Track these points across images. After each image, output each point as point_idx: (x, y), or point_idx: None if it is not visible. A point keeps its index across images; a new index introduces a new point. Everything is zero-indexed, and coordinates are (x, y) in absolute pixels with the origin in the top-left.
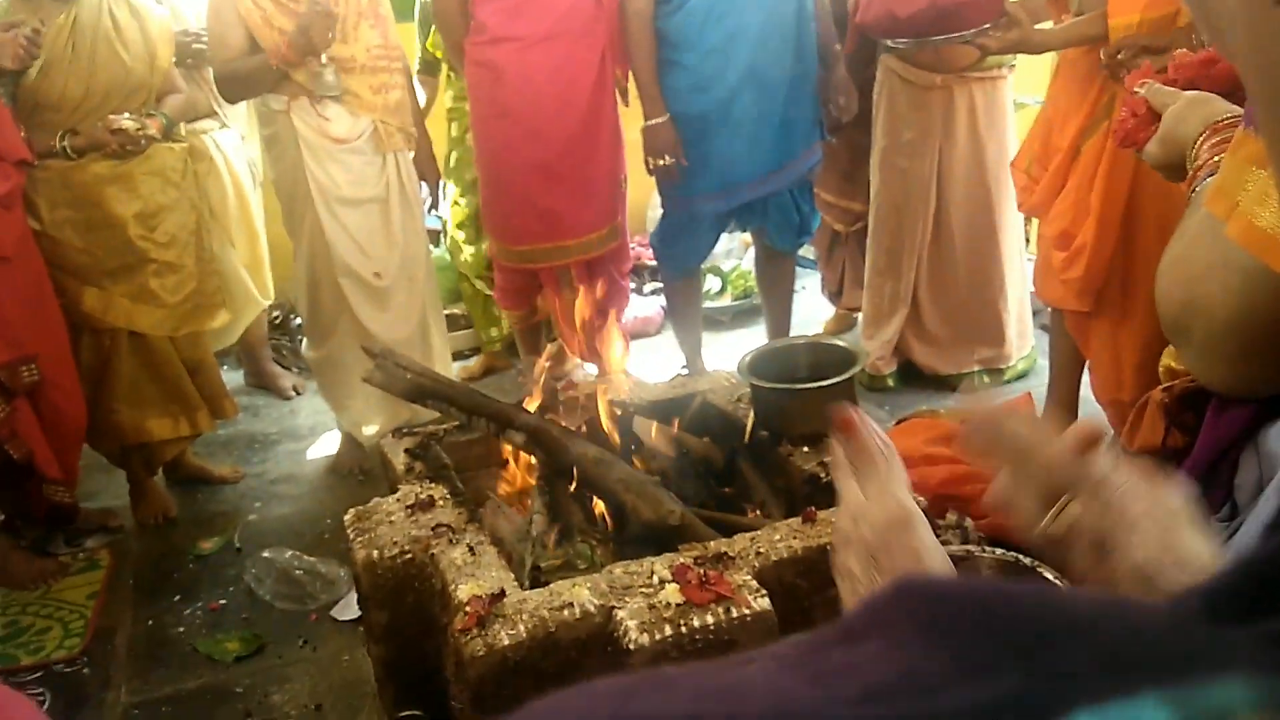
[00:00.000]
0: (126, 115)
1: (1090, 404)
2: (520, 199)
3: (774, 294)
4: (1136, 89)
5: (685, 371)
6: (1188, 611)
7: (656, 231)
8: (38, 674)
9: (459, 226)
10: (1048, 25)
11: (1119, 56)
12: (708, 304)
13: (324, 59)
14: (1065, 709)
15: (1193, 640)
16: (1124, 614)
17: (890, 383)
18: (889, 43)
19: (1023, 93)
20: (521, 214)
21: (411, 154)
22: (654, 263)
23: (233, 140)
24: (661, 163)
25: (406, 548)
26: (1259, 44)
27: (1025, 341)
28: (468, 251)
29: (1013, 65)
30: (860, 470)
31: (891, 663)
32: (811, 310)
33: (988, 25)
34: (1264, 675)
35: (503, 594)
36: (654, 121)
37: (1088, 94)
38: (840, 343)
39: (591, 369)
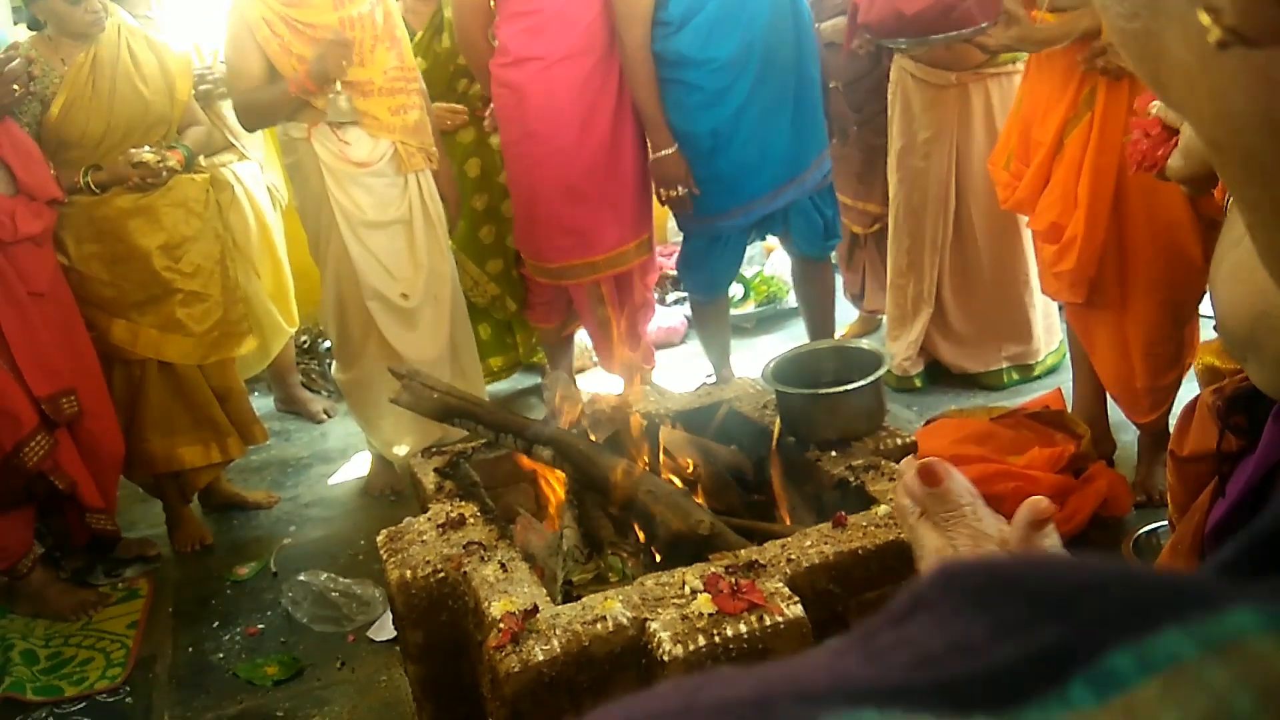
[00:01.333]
0: (147, 148)
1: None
2: (549, 218)
3: (812, 301)
4: (1150, 108)
5: (711, 380)
6: (1202, 573)
7: (680, 258)
8: (81, 704)
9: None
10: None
11: (1105, 54)
12: (732, 312)
13: (338, 85)
14: (1103, 649)
15: (1207, 586)
16: (1144, 571)
17: (918, 383)
18: (889, 44)
19: None
20: (551, 233)
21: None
22: (676, 272)
23: (252, 171)
24: (674, 194)
25: (439, 566)
26: (1209, 93)
27: (1053, 336)
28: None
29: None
30: (944, 518)
31: (937, 634)
32: (836, 314)
33: (985, 25)
34: (1272, 605)
35: (535, 609)
36: (663, 153)
37: (1068, 87)
38: (865, 345)
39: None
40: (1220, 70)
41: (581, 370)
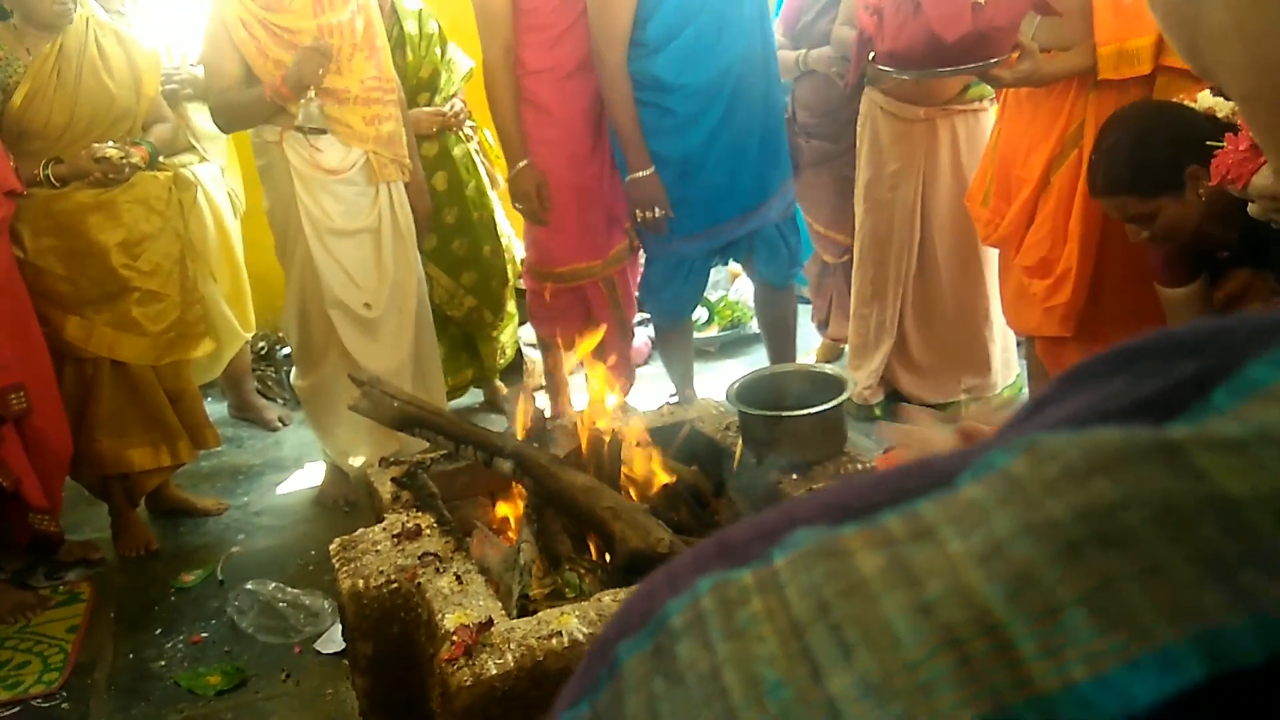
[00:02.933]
0: (111, 143)
1: None
2: (561, 223)
3: (773, 326)
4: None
5: (674, 400)
6: None
7: (643, 282)
8: (15, 709)
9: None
10: None
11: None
12: (695, 335)
13: (311, 91)
14: (1240, 365)
15: None
16: (1261, 315)
17: (878, 412)
18: (895, 74)
19: None
20: (563, 237)
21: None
22: (639, 295)
23: (212, 173)
24: (650, 215)
25: (393, 577)
26: (1243, 45)
27: (1010, 370)
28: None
29: (994, 98)
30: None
31: (1072, 406)
32: (801, 340)
33: (995, 60)
34: None
35: (490, 623)
36: (641, 175)
37: (1054, 125)
38: (829, 369)
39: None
40: (1253, 21)
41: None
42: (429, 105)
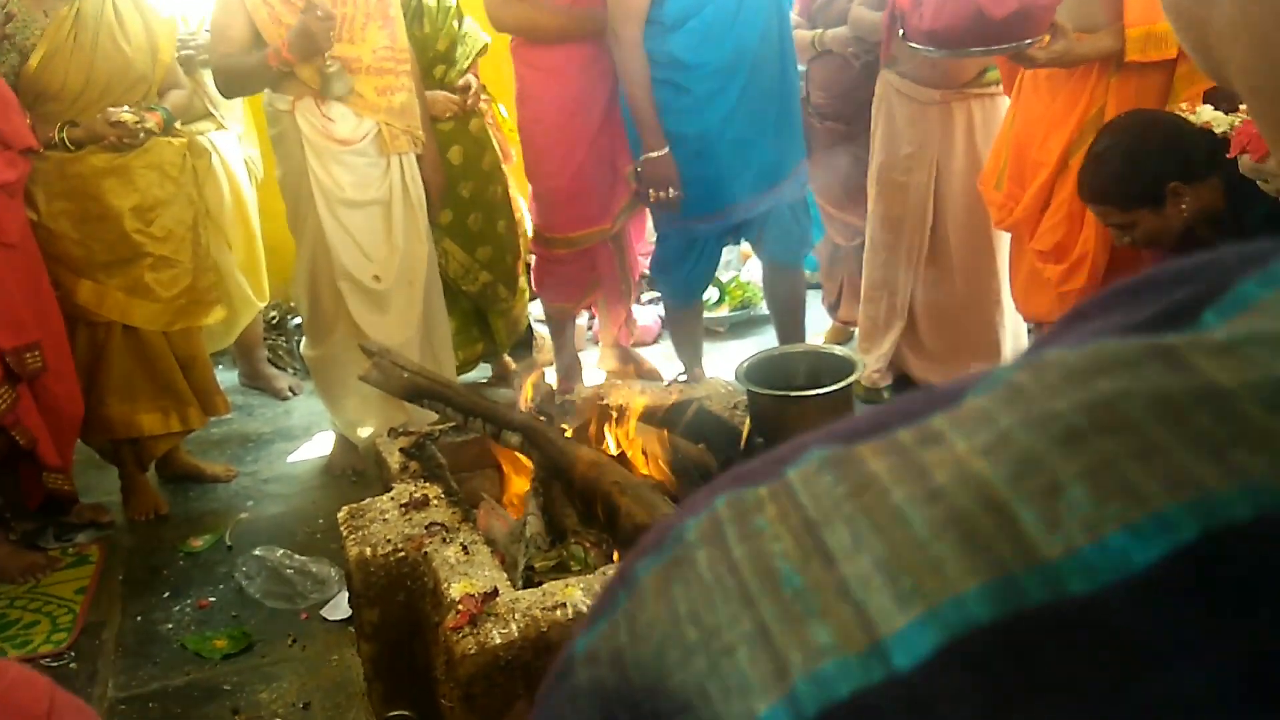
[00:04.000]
0: (126, 108)
1: None
2: (575, 189)
3: (781, 307)
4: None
5: (683, 378)
6: None
7: (655, 261)
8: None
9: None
10: None
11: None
12: (705, 314)
13: (333, 63)
14: (1230, 285)
15: None
16: (1261, 242)
17: (886, 396)
18: (925, 53)
19: None
20: (580, 203)
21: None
22: (650, 274)
23: (229, 141)
24: (662, 195)
25: (399, 545)
26: (1250, 41)
27: None
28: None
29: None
30: None
31: (1080, 333)
32: (811, 323)
33: (1030, 41)
34: None
35: (495, 593)
36: (654, 154)
37: (1074, 109)
38: (838, 351)
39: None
40: (1261, 16)
41: (579, 351)
42: (444, 79)
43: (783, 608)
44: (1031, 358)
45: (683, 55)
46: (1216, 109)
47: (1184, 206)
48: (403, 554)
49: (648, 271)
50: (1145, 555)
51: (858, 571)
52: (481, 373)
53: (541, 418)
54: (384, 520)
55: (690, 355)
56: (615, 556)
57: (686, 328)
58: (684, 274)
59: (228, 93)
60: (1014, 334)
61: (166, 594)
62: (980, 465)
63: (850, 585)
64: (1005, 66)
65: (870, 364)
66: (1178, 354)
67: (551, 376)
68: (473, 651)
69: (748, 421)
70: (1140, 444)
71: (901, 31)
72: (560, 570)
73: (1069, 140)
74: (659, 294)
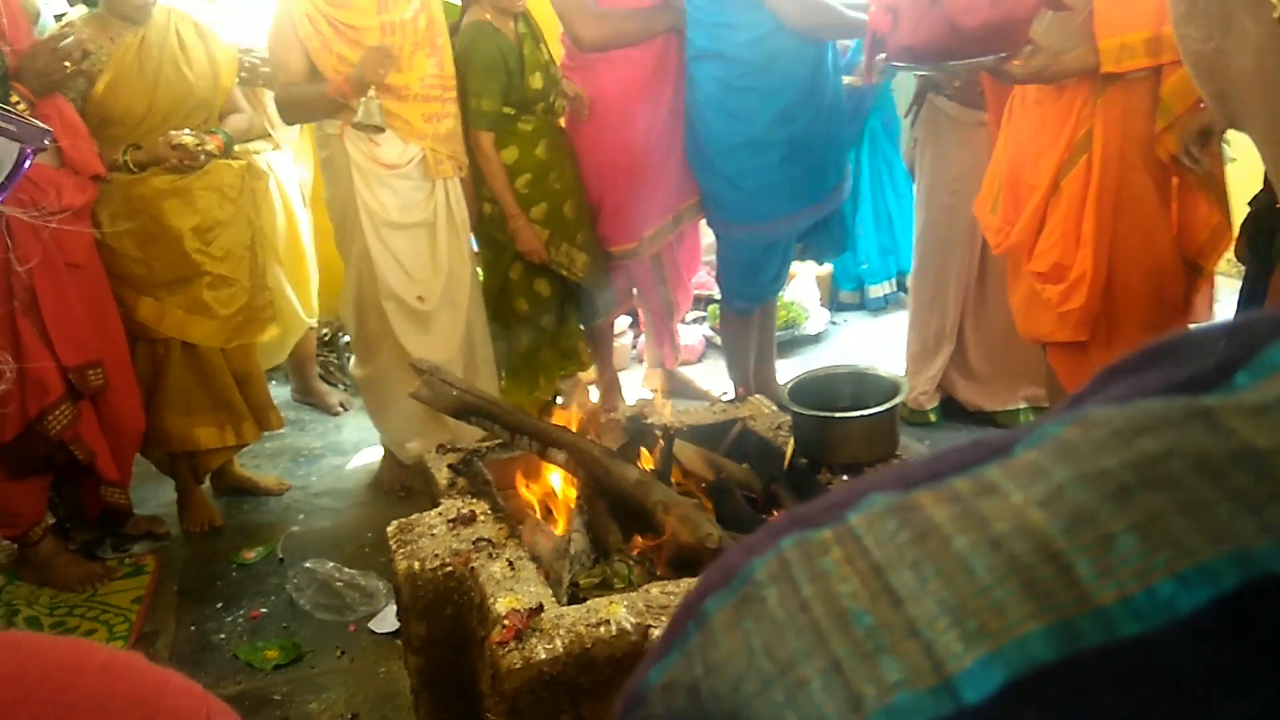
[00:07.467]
0: (187, 131)
1: None
2: (620, 203)
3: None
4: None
5: (727, 398)
6: None
7: (730, 267)
8: None
9: None
10: None
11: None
12: None
13: (371, 90)
14: (1261, 350)
15: None
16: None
17: (932, 418)
18: (914, 69)
19: None
20: (625, 216)
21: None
22: (721, 281)
23: (285, 162)
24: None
25: (447, 560)
26: (1265, 91)
27: None
28: None
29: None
30: None
31: (1120, 389)
32: (887, 355)
33: (1006, 54)
34: None
35: (541, 609)
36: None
37: (1062, 131)
38: (884, 373)
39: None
40: (1276, 69)
41: (621, 369)
42: (548, 111)
43: (854, 644)
44: (1077, 414)
45: (772, 62)
46: None
47: None
48: (450, 569)
49: (718, 280)
50: (1190, 602)
51: (924, 613)
52: None
53: (586, 436)
54: (432, 535)
55: (740, 369)
56: (658, 573)
57: (742, 338)
58: (762, 277)
59: (289, 120)
60: None
61: (219, 604)
62: (1037, 517)
63: (918, 625)
64: (993, 93)
65: (918, 386)
66: (1215, 416)
67: (595, 395)
68: (518, 666)
69: (791, 442)
70: (1184, 500)
71: (883, 54)
72: (604, 587)
73: (1060, 162)
74: (726, 308)
